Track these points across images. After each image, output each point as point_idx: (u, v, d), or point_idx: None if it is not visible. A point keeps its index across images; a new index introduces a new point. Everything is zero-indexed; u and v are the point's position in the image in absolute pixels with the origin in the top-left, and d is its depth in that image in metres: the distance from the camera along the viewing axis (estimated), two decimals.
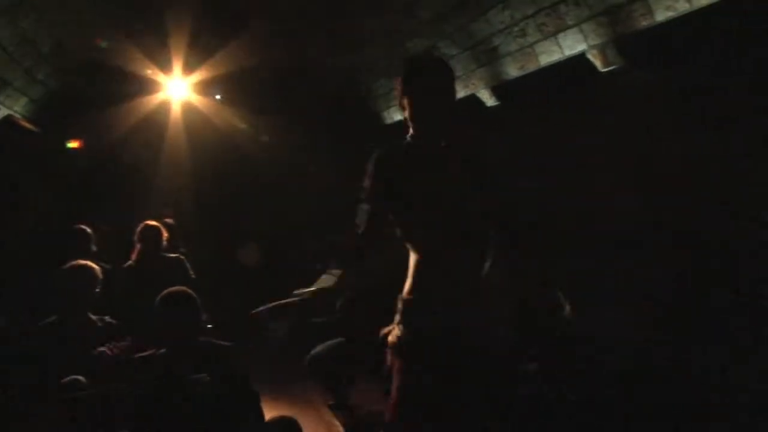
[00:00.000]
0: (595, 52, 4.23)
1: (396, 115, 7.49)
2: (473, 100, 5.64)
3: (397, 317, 2.18)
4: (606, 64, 4.20)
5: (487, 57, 5.26)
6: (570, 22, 4.25)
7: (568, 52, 4.46)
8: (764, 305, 3.04)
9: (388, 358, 2.20)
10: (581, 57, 4.30)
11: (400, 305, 2.18)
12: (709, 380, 3.09)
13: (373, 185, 2.14)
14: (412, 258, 2.17)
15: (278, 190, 8.02)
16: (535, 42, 4.68)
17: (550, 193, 4.52)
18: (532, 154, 5.21)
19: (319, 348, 4.65)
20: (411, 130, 2.19)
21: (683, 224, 3.66)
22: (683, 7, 3.43)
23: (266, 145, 8.10)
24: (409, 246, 2.18)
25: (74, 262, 3.41)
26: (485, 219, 2.14)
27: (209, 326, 4.29)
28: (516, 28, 4.72)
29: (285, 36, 6.33)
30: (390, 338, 2.19)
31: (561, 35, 4.42)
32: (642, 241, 3.87)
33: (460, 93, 5.89)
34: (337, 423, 4.53)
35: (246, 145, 7.85)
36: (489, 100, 5.56)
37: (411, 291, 2.15)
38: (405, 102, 2.15)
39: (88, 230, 4.69)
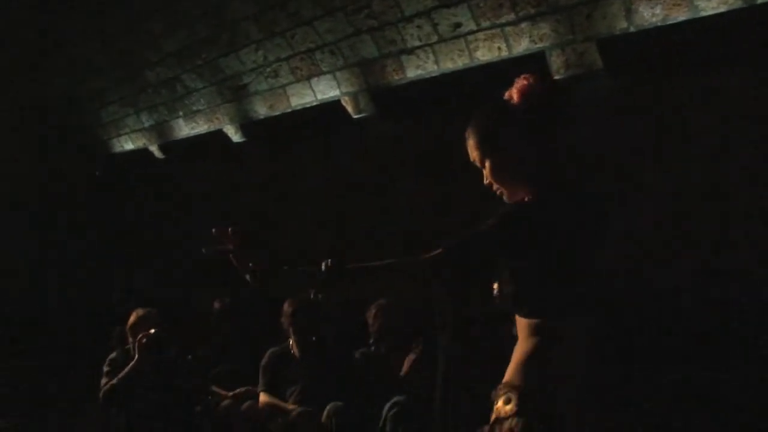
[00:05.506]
0: (347, 98, 4.51)
1: (127, 144, 6.92)
2: (219, 135, 5.53)
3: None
4: (357, 111, 4.51)
5: (235, 94, 5.21)
6: (324, 69, 4.48)
7: (321, 96, 4.68)
8: None
9: None
10: (336, 102, 4.55)
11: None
12: None
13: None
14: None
15: None
16: (288, 84, 4.80)
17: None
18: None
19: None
20: None
21: None
22: (432, 68, 3.89)
23: None
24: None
25: None
26: None
27: None
28: (269, 69, 4.78)
29: None
30: None
31: (314, 80, 4.62)
32: None
33: (204, 127, 5.76)
34: None
35: None
36: (235, 135, 5.50)
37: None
38: None
39: None
